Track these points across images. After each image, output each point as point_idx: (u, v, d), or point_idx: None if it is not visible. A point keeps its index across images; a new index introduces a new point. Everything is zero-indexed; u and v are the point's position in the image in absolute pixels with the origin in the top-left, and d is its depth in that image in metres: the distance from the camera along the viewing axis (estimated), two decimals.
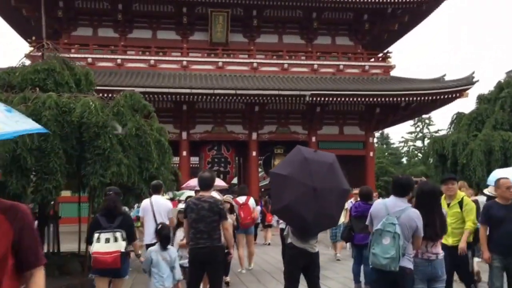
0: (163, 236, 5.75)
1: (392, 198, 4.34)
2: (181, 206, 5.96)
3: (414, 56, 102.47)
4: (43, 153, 8.17)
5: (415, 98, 24.09)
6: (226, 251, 5.52)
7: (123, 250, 5.37)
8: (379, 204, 4.44)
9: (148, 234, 7.70)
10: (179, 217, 5.98)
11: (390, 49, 28.34)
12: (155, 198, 8.18)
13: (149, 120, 9.98)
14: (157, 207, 7.74)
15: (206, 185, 5.50)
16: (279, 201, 4.74)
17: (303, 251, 4.79)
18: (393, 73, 27.02)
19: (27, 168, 7.92)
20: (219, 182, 15.36)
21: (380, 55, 27.80)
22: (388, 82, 25.67)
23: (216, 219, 5.30)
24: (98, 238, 5.40)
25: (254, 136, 26.10)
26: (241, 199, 10.96)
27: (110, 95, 12.05)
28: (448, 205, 5.86)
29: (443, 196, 5.65)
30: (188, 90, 23.04)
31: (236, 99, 24.02)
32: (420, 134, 48.69)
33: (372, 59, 27.50)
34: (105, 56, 25.44)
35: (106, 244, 5.33)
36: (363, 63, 26.89)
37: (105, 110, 8.73)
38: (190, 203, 5.44)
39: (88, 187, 8.68)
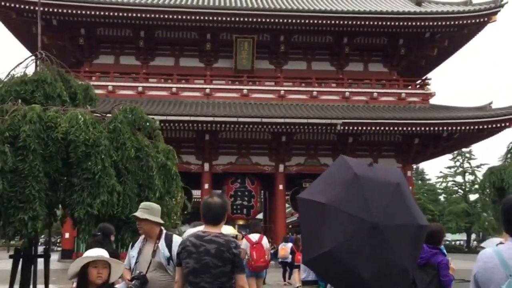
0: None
1: (510, 245, 2.41)
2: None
3: (456, 83, 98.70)
4: (19, 176, 6.65)
5: (458, 128, 22.03)
6: None
7: None
8: (489, 258, 2.45)
9: None
10: (99, 275, 3.27)
11: (429, 75, 26.61)
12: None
13: (154, 141, 8.39)
14: None
15: (214, 216, 3.44)
16: (316, 246, 2.91)
17: None
18: (432, 101, 25.10)
19: None
20: None
21: (418, 82, 25.97)
22: (427, 110, 23.74)
23: (227, 271, 3.33)
24: None
25: (281, 168, 24.43)
26: (254, 237, 9.30)
27: None
28: None
29: None
30: (210, 118, 21.74)
31: (261, 128, 22.56)
32: (460, 169, 45.84)
33: (409, 87, 25.68)
34: (126, 84, 24.54)
35: None
36: (399, 91, 25.09)
37: (98, 126, 7.19)
38: (187, 244, 3.42)
39: (73, 219, 7.03)
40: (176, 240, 4.21)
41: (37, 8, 21.82)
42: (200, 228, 3.70)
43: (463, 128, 21.97)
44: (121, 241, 7.71)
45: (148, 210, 4.39)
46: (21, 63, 8.62)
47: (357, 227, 2.78)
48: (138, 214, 4.40)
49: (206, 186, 24.18)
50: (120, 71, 24.83)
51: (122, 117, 7.63)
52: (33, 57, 8.84)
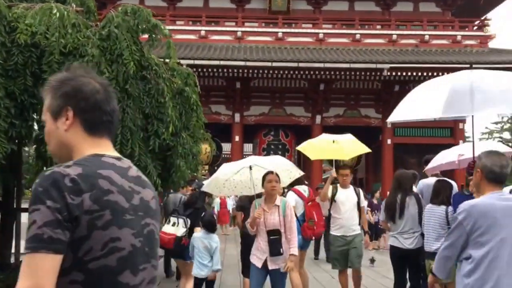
0: (206, 222, 5.67)
1: None
2: None
3: None
4: None
5: None
6: None
7: (178, 234, 5.66)
8: None
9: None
10: None
11: (488, 15, 23.42)
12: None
13: (168, 60, 6.40)
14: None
15: None
16: None
17: None
18: (492, 44, 22.14)
19: None
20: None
21: (476, 22, 22.89)
22: (486, 54, 20.87)
23: None
24: (169, 220, 5.91)
25: (318, 119, 22.27)
26: (303, 189, 6.59)
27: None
28: None
29: None
30: (242, 63, 19.68)
31: (298, 75, 20.34)
32: (509, 124, 42.20)
33: (466, 28, 22.67)
34: None
35: (172, 227, 5.78)
36: (454, 33, 22.19)
37: (83, 29, 5.19)
38: None
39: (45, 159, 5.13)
40: None
41: None
42: None
43: None
44: None
45: None
46: None
47: None
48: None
49: (237, 138, 22.33)
50: None
51: (120, 20, 5.59)
52: None
